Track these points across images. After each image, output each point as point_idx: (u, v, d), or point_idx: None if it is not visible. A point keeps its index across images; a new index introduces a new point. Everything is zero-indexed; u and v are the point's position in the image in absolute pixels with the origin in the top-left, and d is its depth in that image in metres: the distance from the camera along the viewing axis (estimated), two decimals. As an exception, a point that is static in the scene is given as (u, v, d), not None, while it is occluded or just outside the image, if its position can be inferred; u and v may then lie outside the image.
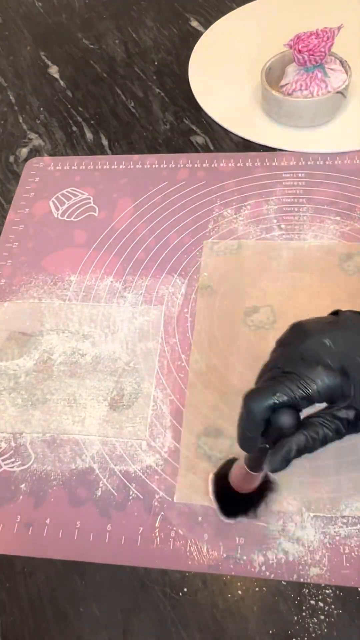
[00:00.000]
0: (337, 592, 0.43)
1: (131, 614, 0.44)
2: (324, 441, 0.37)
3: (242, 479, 0.43)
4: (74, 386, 0.55)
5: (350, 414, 0.37)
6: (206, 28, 0.87)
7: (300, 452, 0.37)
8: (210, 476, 0.46)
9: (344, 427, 0.37)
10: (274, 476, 0.45)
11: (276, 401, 0.35)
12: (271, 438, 0.36)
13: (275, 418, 0.35)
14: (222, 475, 0.45)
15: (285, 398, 0.35)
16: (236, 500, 0.44)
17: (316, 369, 0.36)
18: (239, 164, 0.69)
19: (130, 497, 0.48)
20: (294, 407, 0.35)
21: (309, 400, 0.36)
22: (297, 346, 0.38)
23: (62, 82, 0.85)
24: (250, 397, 0.36)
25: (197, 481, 0.48)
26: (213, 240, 0.63)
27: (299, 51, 0.66)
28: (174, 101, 0.79)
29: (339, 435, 0.37)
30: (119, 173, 0.71)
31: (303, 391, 0.35)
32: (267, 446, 0.37)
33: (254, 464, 0.40)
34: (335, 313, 0.41)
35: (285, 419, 0.35)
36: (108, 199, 0.69)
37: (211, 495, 0.46)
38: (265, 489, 0.45)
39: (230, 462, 0.45)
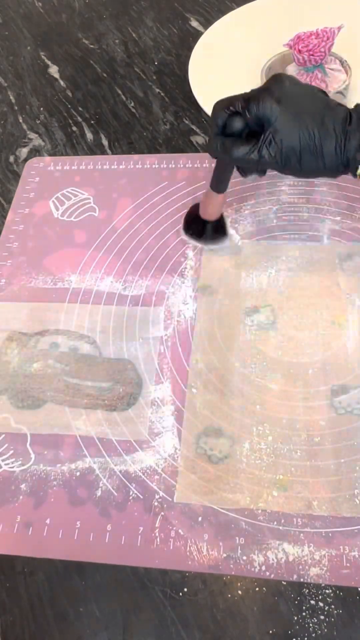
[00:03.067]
0: (337, 592, 0.43)
1: (131, 614, 0.44)
2: (250, 153, 0.47)
3: (205, 200, 0.57)
4: (74, 386, 0.55)
5: (271, 146, 0.47)
6: (206, 28, 0.86)
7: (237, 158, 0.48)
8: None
9: (263, 152, 0.47)
10: (231, 231, 0.61)
11: (231, 108, 0.47)
12: (226, 145, 0.48)
13: (228, 121, 0.48)
14: (195, 207, 0.59)
15: (235, 107, 0.47)
16: (198, 222, 0.59)
17: (263, 93, 0.46)
18: (239, 164, 0.69)
19: (130, 497, 0.48)
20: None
21: (249, 113, 0.46)
22: (267, 81, 0.48)
23: (62, 82, 0.85)
24: (216, 103, 0.48)
25: (197, 481, 0.48)
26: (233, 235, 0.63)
27: (299, 51, 0.66)
28: (174, 101, 0.79)
29: (258, 158, 0.47)
30: (119, 173, 0.71)
31: (244, 103, 0.46)
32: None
33: (214, 181, 0.54)
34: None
35: (232, 122, 0.47)
36: (108, 199, 0.69)
37: (183, 223, 0.61)
38: (220, 232, 0.60)
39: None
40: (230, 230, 0.61)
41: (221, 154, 0.49)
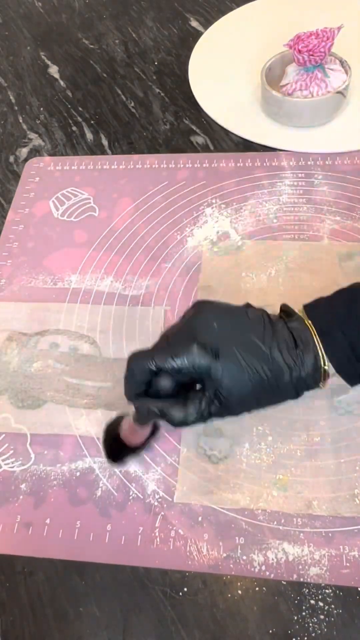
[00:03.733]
0: (337, 592, 0.43)
1: (131, 614, 0.44)
2: (195, 417, 0.40)
3: (131, 433, 0.46)
4: (74, 386, 0.55)
5: (216, 401, 0.40)
6: (206, 28, 0.87)
7: (170, 419, 0.40)
8: (103, 426, 0.48)
9: (210, 410, 0.40)
10: (231, 231, 0.49)
11: (152, 367, 0.40)
12: (161, 409, 0.40)
13: (154, 381, 0.40)
14: (114, 426, 0.47)
15: (159, 365, 0.39)
16: (123, 450, 0.47)
17: (191, 346, 0.39)
18: (239, 164, 0.69)
19: (130, 497, 0.48)
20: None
21: (179, 372, 0.39)
22: (186, 320, 0.42)
23: (62, 82, 0.85)
24: (132, 359, 0.41)
25: (197, 481, 0.48)
26: (213, 240, 0.63)
27: (299, 51, 0.66)
28: (174, 101, 0.79)
29: (202, 418, 0.40)
30: (119, 173, 0.71)
31: (174, 363, 0.39)
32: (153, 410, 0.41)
33: (139, 418, 0.43)
34: (283, 309, 0.44)
35: (162, 383, 0.40)
36: (108, 199, 0.69)
37: (101, 445, 0.49)
38: (152, 435, 0.47)
39: (117, 419, 0.47)
40: (230, 230, 0.61)
41: (147, 416, 0.42)
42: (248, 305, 0.44)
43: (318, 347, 0.40)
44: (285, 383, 0.40)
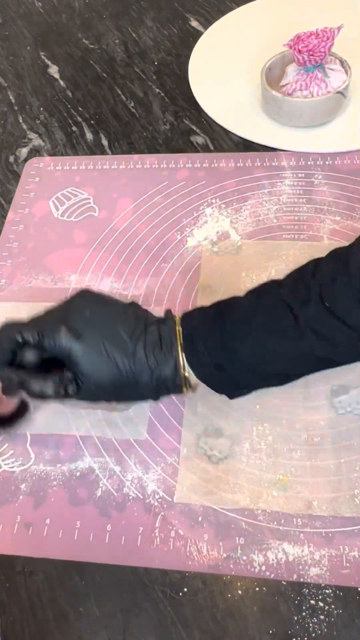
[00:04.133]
0: (337, 592, 0.43)
1: (131, 614, 0.44)
2: (51, 393, 0.41)
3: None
4: (74, 386, 0.55)
5: (74, 384, 0.41)
6: (206, 28, 0.87)
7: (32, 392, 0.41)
8: None
9: (67, 390, 0.41)
10: (28, 400, 0.48)
11: (19, 339, 0.41)
12: (21, 379, 0.42)
13: (19, 353, 0.42)
14: None
15: (25, 338, 0.41)
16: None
17: (59, 327, 0.41)
18: (239, 164, 0.69)
19: (130, 497, 0.48)
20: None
21: (44, 349, 0.41)
22: (63, 303, 0.43)
23: (62, 82, 0.85)
24: (3, 326, 0.42)
25: (197, 481, 0.48)
26: (213, 240, 0.63)
27: (299, 51, 0.66)
28: (174, 101, 0.79)
29: (60, 395, 0.41)
30: (119, 173, 0.71)
31: (39, 340, 0.41)
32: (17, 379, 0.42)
33: (6, 390, 0.44)
34: (166, 313, 0.45)
35: (26, 355, 0.41)
36: (108, 199, 0.69)
37: None
38: (21, 411, 0.48)
39: None
40: (230, 230, 0.61)
41: (15, 386, 0.42)
42: (133, 304, 0.44)
43: (179, 353, 0.41)
44: (145, 382, 0.41)
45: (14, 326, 0.42)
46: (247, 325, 0.41)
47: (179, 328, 0.43)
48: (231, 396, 0.46)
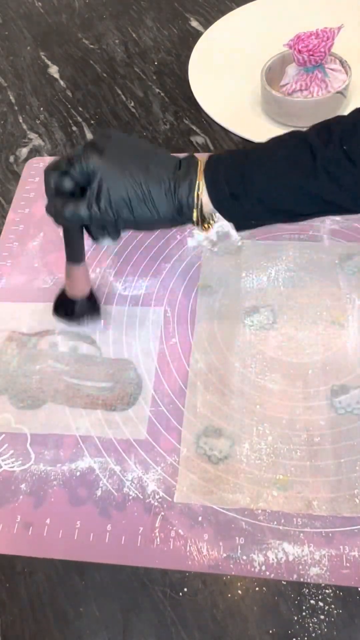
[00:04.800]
0: (337, 592, 0.43)
1: (131, 614, 0.44)
2: (83, 211, 0.46)
3: (67, 276, 0.53)
4: (74, 386, 0.55)
5: (97, 199, 0.46)
6: (206, 28, 0.87)
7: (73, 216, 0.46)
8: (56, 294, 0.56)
9: (91, 207, 0.46)
10: (231, 231, 0.56)
11: (58, 170, 0.46)
12: (58, 206, 0.47)
13: (57, 182, 0.46)
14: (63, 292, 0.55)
15: (61, 167, 0.46)
16: (67, 302, 0.55)
17: (85, 148, 0.46)
18: (239, 164, 0.69)
19: (130, 497, 0.48)
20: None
21: (77, 173, 0.46)
22: (94, 137, 0.48)
23: (62, 82, 0.85)
24: (46, 167, 0.48)
25: (197, 481, 0.48)
26: (213, 240, 0.63)
27: (299, 51, 0.66)
28: (174, 101, 0.79)
29: (88, 214, 0.46)
30: (119, 173, 0.71)
31: (71, 163, 0.46)
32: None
33: (67, 253, 0.51)
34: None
35: (62, 182, 0.46)
36: (108, 199, 0.68)
37: (52, 306, 0.57)
38: (92, 310, 0.55)
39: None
40: (231, 231, 0.61)
41: (54, 216, 0.48)
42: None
43: (197, 175, 0.45)
44: (159, 197, 0.45)
45: (51, 164, 0.48)
46: (268, 157, 0.45)
47: (201, 159, 0.46)
48: (239, 227, 0.49)
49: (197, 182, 0.45)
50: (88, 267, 0.55)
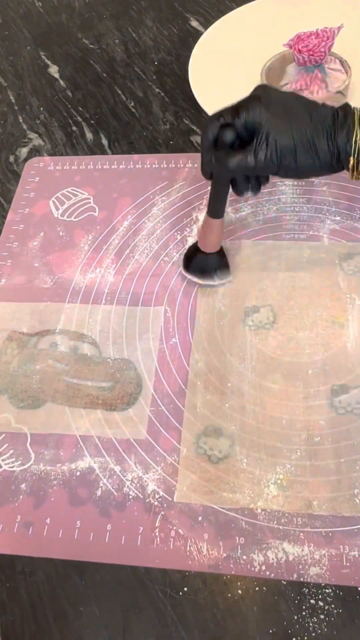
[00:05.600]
0: (337, 591, 0.43)
1: (131, 614, 0.44)
2: (247, 161, 0.48)
3: (203, 230, 0.56)
4: (74, 386, 0.55)
5: (264, 147, 0.48)
6: (206, 28, 0.86)
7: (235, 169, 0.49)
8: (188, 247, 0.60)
9: (257, 156, 0.48)
10: (229, 264, 0.58)
11: (221, 121, 0.48)
12: (220, 157, 0.49)
13: (219, 132, 0.48)
14: (193, 245, 0.59)
15: (225, 120, 0.48)
16: (199, 257, 0.58)
17: (252, 101, 0.48)
18: (239, 164, 0.69)
19: (130, 497, 0.48)
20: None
21: (241, 126, 0.48)
22: (252, 91, 0.50)
23: (62, 82, 0.85)
24: (207, 119, 0.50)
25: (197, 481, 0.48)
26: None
27: (299, 51, 0.66)
28: (174, 101, 0.79)
29: (252, 163, 0.48)
30: (119, 173, 0.71)
31: (237, 115, 0.48)
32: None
33: (210, 207, 0.54)
34: None
35: (225, 133, 0.48)
36: (108, 199, 0.69)
37: (183, 260, 0.60)
38: (222, 265, 0.58)
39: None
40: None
41: (216, 167, 0.50)
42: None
43: (355, 123, 0.47)
44: (321, 145, 0.47)
45: (215, 114, 0.49)
46: None
47: (355, 109, 0.48)
48: None
49: (355, 130, 0.47)
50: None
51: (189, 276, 0.59)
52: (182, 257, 0.60)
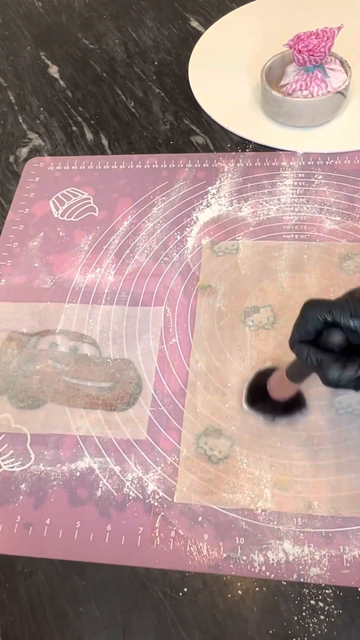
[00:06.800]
0: (337, 592, 0.43)
1: (131, 614, 0.44)
2: (349, 380, 0.37)
3: (278, 384, 0.47)
4: (74, 386, 0.55)
5: None
6: (206, 28, 0.87)
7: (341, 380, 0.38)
8: (251, 377, 0.52)
9: None
10: (306, 399, 0.49)
11: (328, 318, 0.37)
12: (319, 360, 0.39)
13: (325, 333, 0.38)
14: (264, 374, 0.50)
15: (335, 318, 0.37)
16: (264, 398, 0.49)
17: None
18: (239, 164, 0.69)
19: (130, 497, 0.48)
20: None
21: (354, 332, 0.37)
22: None
23: (62, 82, 0.85)
24: (309, 304, 0.39)
25: (197, 481, 0.48)
26: (213, 240, 0.63)
27: (299, 51, 0.66)
28: (174, 101, 0.79)
29: (357, 384, 0.38)
30: (119, 173, 0.71)
31: (352, 321, 0.37)
32: (311, 360, 0.39)
33: (294, 373, 0.44)
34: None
35: (333, 337, 0.38)
36: (108, 199, 0.69)
37: (245, 390, 0.52)
38: (294, 406, 0.49)
39: (269, 370, 0.50)
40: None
41: (309, 367, 0.41)
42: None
43: None
44: None
45: (324, 303, 0.38)
46: None
47: None
48: None
49: None
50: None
51: (252, 412, 0.51)
52: (246, 389, 0.52)
